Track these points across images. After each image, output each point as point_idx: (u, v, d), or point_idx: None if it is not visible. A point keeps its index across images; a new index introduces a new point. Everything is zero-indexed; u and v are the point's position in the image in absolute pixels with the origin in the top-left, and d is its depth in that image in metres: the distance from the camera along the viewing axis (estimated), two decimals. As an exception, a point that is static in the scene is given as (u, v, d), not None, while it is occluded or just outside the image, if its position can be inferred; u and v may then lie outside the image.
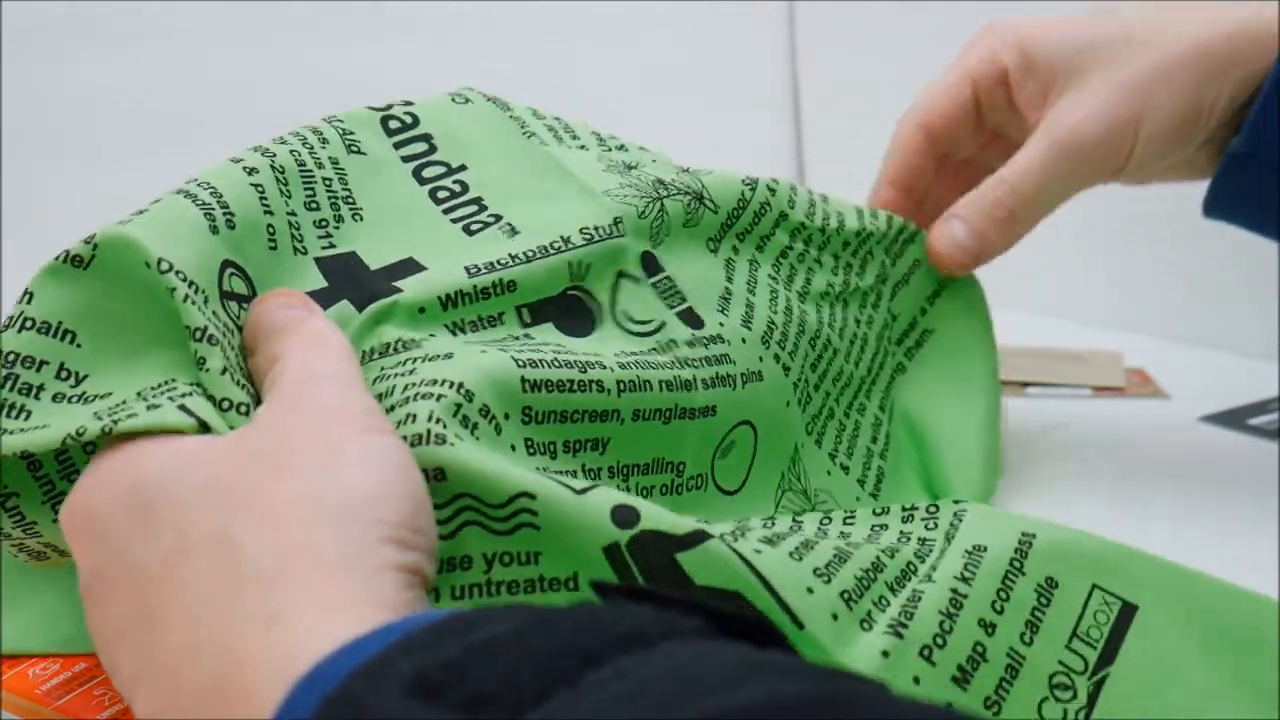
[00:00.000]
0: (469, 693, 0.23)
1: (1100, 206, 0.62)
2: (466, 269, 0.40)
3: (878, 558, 0.37)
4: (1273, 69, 0.47)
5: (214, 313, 0.35)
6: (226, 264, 0.36)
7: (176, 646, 0.28)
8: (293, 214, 0.40)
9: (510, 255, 0.41)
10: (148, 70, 0.84)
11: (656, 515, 0.32)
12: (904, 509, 0.42)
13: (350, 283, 0.39)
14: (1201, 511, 0.54)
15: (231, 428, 0.33)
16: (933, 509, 0.41)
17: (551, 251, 0.41)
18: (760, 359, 0.45)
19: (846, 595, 0.35)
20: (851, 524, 0.41)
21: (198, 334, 0.34)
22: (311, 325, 0.35)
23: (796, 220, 0.49)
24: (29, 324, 0.34)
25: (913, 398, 0.53)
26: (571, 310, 0.42)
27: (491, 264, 0.40)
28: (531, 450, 0.37)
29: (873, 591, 0.36)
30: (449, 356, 0.36)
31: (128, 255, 0.34)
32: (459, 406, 0.35)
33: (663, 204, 0.45)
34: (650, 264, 0.44)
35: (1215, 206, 0.52)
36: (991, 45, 0.52)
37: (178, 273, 0.34)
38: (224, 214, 0.37)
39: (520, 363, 0.37)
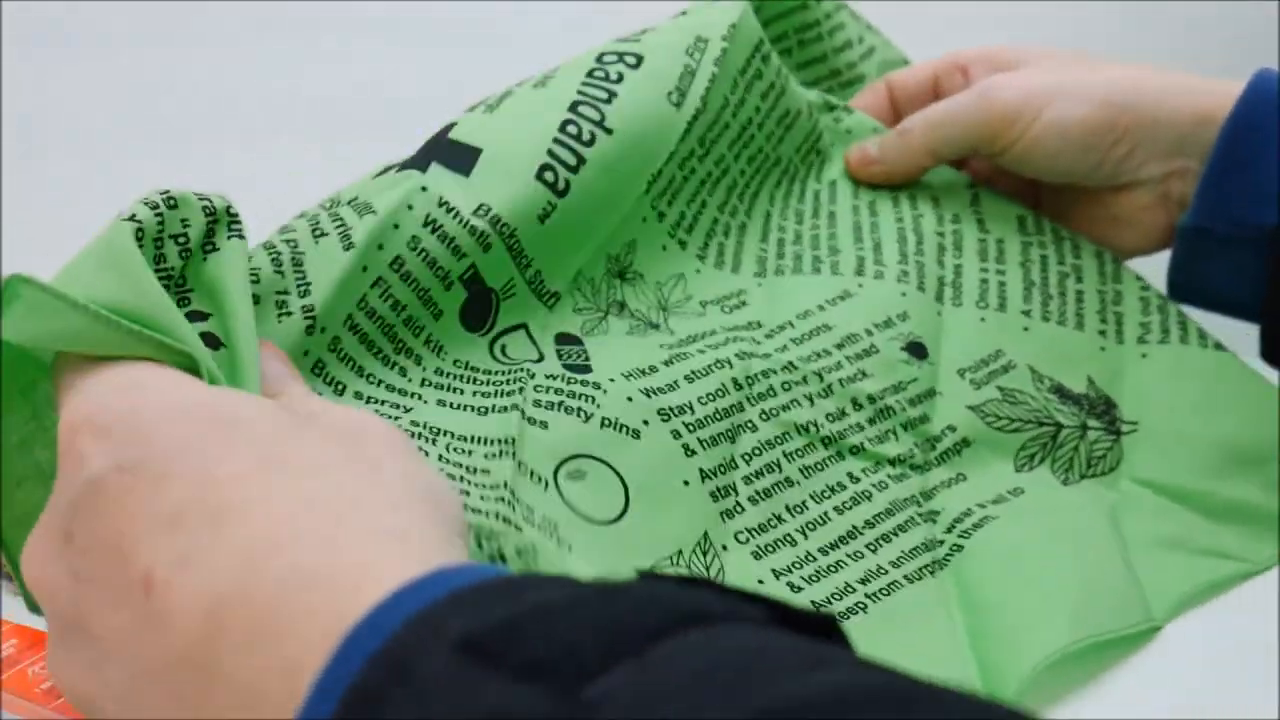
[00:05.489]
0: (525, 658, 0.22)
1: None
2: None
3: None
4: (1217, 139, 0.49)
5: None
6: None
7: (258, 536, 0.26)
8: None
9: None
10: (147, 70, 0.84)
11: None
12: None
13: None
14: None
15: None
16: None
17: None
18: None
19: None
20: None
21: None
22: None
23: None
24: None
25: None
26: None
27: None
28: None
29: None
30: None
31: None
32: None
33: None
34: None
35: (1180, 290, 0.53)
36: (965, 50, 0.58)
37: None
38: None
39: None
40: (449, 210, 0.41)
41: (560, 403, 0.42)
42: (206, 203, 0.36)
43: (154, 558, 0.27)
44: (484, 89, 0.47)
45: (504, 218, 0.42)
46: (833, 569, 0.43)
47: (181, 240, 0.35)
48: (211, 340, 0.34)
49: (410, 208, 0.41)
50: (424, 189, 0.41)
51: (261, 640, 0.25)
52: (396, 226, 0.40)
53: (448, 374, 0.42)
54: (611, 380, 0.43)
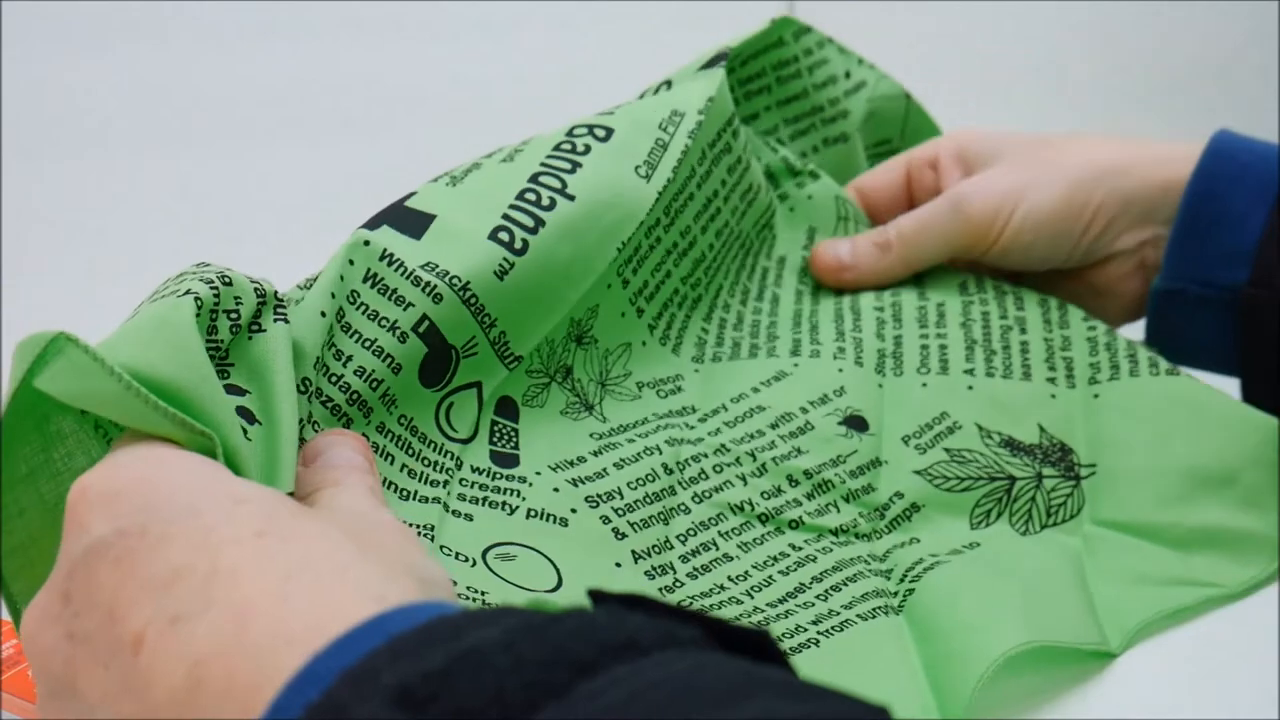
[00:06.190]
0: (454, 708, 0.23)
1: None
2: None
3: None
4: (1180, 203, 0.50)
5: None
6: None
7: (247, 600, 0.27)
8: None
9: None
10: (148, 70, 0.84)
11: None
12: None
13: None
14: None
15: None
16: None
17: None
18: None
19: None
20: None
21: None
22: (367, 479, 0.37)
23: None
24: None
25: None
26: None
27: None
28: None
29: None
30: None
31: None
32: None
33: None
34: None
35: (1157, 349, 0.53)
36: (934, 141, 0.57)
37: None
38: None
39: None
40: (391, 262, 0.41)
41: (485, 498, 0.42)
42: (257, 285, 0.37)
43: (146, 618, 0.27)
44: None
45: (453, 271, 0.41)
46: (782, 616, 0.42)
47: (233, 316, 0.36)
48: (246, 414, 0.35)
49: (351, 263, 0.40)
50: (367, 243, 0.41)
51: (235, 698, 0.26)
52: (342, 278, 0.40)
53: (388, 431, 0.41)
54: (538, 473, 0.43)
